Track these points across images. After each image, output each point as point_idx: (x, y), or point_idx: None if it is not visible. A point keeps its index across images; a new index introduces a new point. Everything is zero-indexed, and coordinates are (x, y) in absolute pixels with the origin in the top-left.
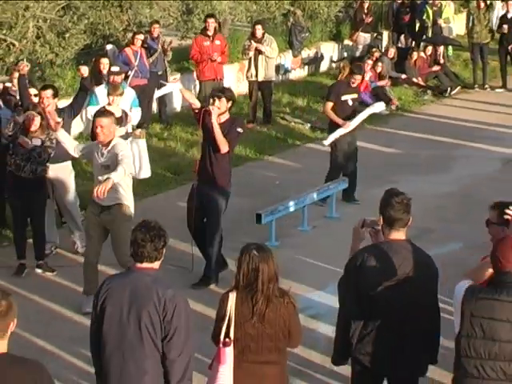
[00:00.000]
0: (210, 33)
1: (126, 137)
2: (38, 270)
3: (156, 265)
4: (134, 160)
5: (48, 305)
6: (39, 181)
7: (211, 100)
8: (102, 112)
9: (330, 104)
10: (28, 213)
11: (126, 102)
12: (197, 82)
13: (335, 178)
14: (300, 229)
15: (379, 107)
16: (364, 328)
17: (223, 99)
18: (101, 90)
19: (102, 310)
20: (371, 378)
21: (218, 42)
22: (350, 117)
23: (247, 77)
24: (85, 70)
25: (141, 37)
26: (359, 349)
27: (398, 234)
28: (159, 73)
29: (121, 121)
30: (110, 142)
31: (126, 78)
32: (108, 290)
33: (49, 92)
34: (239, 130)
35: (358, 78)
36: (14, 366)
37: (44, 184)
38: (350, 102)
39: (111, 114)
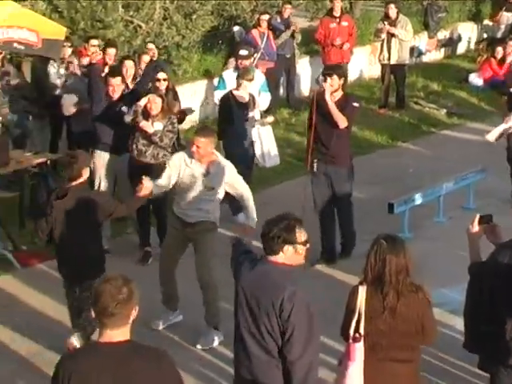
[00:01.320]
0: (337, 14)
1: (252, 123)
2: None
3: (280, 258)
4: (261, 147)
5: None
6: (160, 166)
7: (323, 78)
8: (202, 130)
9: None
10: (151, 198)
11: (255, 86)
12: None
13: None
14: (435, 220)
15: None
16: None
17: (335, 77)
18: (229, 74)
19: (236, 295)
20: None
21: (345, 24)
22: None
23: (379, 60)
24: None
25: (266, 17)
26: None
27: None
28: (287, 56)
29: (248, 105)
30: (212, 161)
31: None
32: (239, 276)
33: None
34: (355, 104)
35: None
36: (137, 353)
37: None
38: None
39: (211, 132)
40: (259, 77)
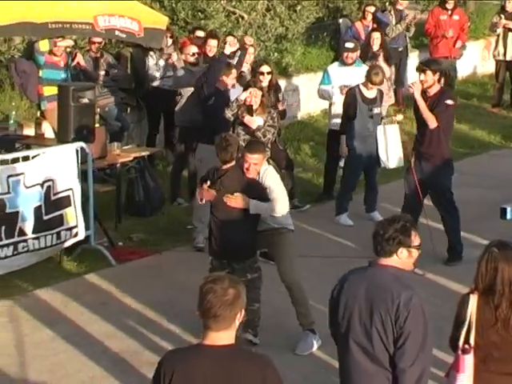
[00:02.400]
0: (450, 6)
1: (377, 120)
2: None
3: (393, 261)
4: (385, 147)
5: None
6: None
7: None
8: (253, 146)
9: None
10: None
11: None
12: None
13: None
14: None
15: None
16: None
17: (428, 72)
18: (334, 69)
19: (337, 304)
20: None
21: (456, 17)
22: None
23: (494, 55)
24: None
25: (371, 9)
26: None
27: None
28: (399, 49)
29: (375, 102)
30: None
31: None
32: (345, 283)
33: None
34: (448, 102)
35: None
36: (241, 358)
37: None
38: None
39: (263, 146)
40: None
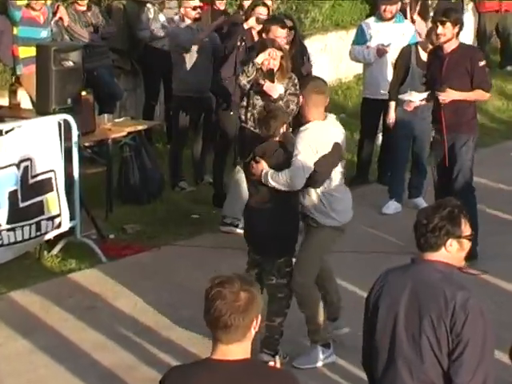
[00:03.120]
0: None
1: None
2: None
3: (441, 255)
4: None
5: None
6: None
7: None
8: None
9: None
10: None
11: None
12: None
13: None
14: None
15: None
16: None
17: (448, 24)
18: (370, 25)
19: (375, 310)
20: None
21: None
22: None
23: None
24: None
25: None
26: None
27: None
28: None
29: None
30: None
31: None
32: (384, 285)
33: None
34: (481, 63)
35: None
36: (258, 376)
37: None
38: None
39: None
40: (408, 28)
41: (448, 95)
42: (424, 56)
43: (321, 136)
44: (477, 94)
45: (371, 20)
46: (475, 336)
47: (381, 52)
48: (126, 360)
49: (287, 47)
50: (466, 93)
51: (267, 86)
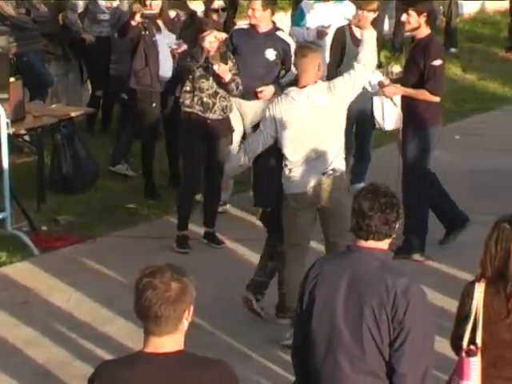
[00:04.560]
0: None
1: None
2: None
3: (385, 244)
4: (381, 104)
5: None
6: (229, 122)
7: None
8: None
9: None
10: (209, 165)
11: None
12: None
13: None
14: None
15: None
16: None
17: (412, 12)
18: (309, 5)
19: (311, 300)
20: None
21: None
22: None
23: None
24: None
25: None
26: None
27: None
28: None
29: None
30: None
31: None
32: (319, 274)
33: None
34: (436, 63)
35: None
36: (192, 367)
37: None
38: None
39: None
40: (349, 8)
41: (390, 90)
42: (359, 34)
43: None
44: (420, 93)
45: (311, 1)
46: (417, 323)
47: (321, 34)
48: (61, 356)
49: None
50: (410, 90)
51: (222, 69)
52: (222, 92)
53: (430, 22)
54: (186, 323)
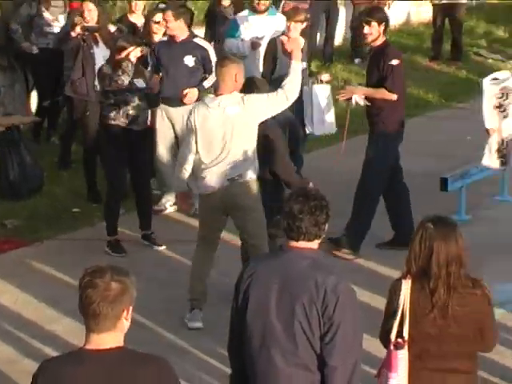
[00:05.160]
0: None
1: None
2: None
3: (315, 244)
4: (311, 109)
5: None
6: (150, 132)
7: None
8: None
9: None
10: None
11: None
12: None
13: None
14: (498, 198)
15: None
16: None
17: (374, 23)
18: (243, 18)
19: (246, 299)
20: None
21: None
22: None
23: None
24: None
25: None
26: None
27: None
28: None
29: None
30: None
31: None
32: (253, 274)
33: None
34: (393, 62)
35: None
36: (131, 363)
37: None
38: None
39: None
40: (281, 21)
41: (346, 91)
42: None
43: None
44: (379, 92)
45: (245, 13)
46: (346, 319)
47: (255, 45)
48: (7, 353)
49: None
50: (369, 89)
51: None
52: (143, 105)
53: (386, 30)
54: (125, 322)
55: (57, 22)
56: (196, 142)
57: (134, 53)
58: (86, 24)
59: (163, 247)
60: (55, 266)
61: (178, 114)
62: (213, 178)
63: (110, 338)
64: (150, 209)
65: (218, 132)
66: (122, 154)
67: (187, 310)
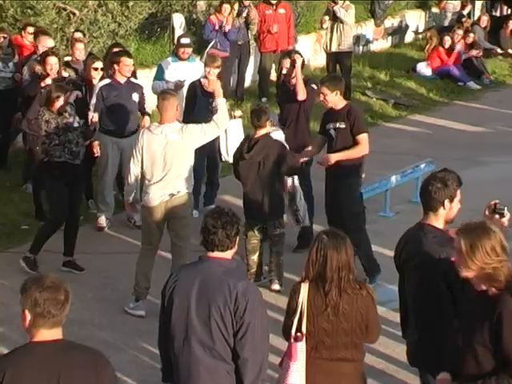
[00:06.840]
0: (274, 0)
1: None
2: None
3: (228, 254)
4: (226, 141)
5: (111, 295)
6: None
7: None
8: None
9: None
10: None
11: (196, 76)
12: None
13: None
14: (381, 214)
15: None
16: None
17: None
18: (167, 64)
19: (170, 302)
20: None
21: (281, 11)
22: None
23: (324, 48)
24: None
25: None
26: None
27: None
28: (239, 43)
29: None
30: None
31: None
32: (176, 280)
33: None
34: (313, 86)
35: None
36: (72, 351)
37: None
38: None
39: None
40: (199, 67)
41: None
42: (207, 87)
43: None
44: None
45: (169, 59)
46: (255, 319)
47: (178, 86)
48: None
49: None
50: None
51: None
52: (81, 141)
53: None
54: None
55: (7, 67)
56: (142, 162)
57: (72, 97)
58: (55, 76)
59: (84, 271)
60: (4, 276)
61: (129, 143)
62: (156, 193)
63: (54, 332)
64: (76, 237)
65: (160, 154)
66: (64, 188)
67: (130, 301)
